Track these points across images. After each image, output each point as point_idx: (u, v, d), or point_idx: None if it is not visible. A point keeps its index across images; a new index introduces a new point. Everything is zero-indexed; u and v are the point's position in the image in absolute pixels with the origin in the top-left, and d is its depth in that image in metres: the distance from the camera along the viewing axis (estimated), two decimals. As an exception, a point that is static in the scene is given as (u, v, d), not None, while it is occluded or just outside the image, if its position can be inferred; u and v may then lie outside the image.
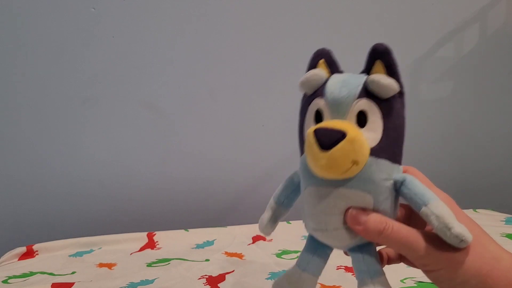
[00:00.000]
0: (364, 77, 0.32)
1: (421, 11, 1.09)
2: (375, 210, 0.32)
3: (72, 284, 0.63)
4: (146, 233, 0.83)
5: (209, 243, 0.81)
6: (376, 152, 0.31)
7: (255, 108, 1.03)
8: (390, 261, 0.39)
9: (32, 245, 0.77)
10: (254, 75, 1.02)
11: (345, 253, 0.36)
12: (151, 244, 0.81)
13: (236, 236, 0.83)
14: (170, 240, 0.82)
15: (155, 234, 0.83)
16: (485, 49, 1.15)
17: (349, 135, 0.29)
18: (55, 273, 0.68)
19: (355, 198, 0.31)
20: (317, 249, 0.36)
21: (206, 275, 0.65)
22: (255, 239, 0.81)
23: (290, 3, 1.01)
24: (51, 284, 0.63)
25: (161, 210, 1.01)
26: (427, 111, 1.13)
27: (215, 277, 0.64)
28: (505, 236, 0.78)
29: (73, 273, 0.68)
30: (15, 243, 0.79)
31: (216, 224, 0.92)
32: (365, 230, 0.31)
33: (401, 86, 0.32)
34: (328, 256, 0.36)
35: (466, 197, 1.17)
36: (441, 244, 0.30)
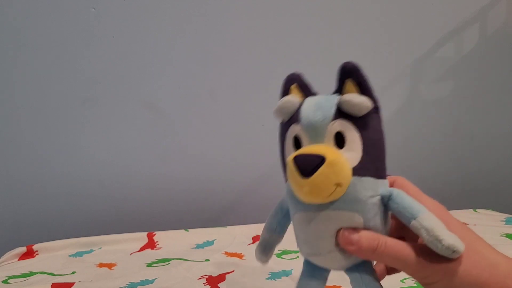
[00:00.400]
0: (337, 98, 0.33)
1: (421, 11, 1.09)
2: (366, 228, 0.32)
3: (72, 284, 0.63)
4: (146, 233, 0.83)
5: (209, 243, 0.81)
6: (358, 171, 0.31)
7: (255, 108, 1.03)
8: (385, 275, 0.40)
9: (32, 245, 0.78)
10: (254, 75, 1.02)
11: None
12: (151, 244, 0.81)
13: (236, 236, 0.83)
14: (170, 240, 0.82)
15: (155, 234, 0.83)
16: (485, 49, 1.15)
17: (328, 159, 0.30)
18: (55, 273, 0.68)
19: (343, 219, 0.32)
20: (314, 273, 0.36)
21: (206, 275, 0.65)
22: (255, 239, 0.81)
23: (290, 3, 1.01)
24: (51, 284, 0.63)
25: (161, 210, 1.01)
26: (427, 111, 1.13)
27: (215, 277, 0.64)
28: (505, 236, 0.78)
29: (73, 273, 0.68)
30: (15, 243, 0.79)
31: (216, 224, 0.92)
32: (359, 249, 0.31)
33: (375, 101, 0.32)
34: (326, 278, 0.37)
35: (466, 197, 1.17)
36: (435, 256, 0.29)
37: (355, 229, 0.32)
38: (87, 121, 0.96)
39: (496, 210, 0.98)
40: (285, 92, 0.37)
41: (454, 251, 0.29)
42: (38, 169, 0.96)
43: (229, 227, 0.87)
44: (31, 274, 0.68)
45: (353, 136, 0.32)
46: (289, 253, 0.73)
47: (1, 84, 0.92)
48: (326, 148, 0.31)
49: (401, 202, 0.32)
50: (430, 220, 0.30)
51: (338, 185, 0.30)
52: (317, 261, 0.35)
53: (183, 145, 1.01)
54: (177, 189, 1.02)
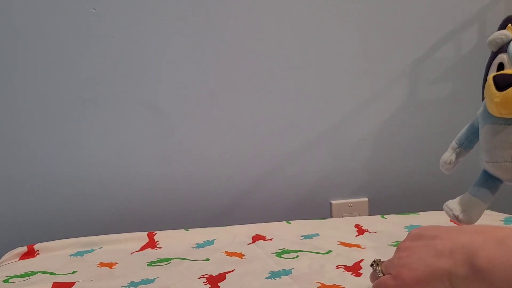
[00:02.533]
0: None
1: (420, 12, 1.09)
2: None
3: (73, 283, 0.63)
4: (146, 232, 0.83)
5: (209, 242, 0.81)
6: None
7: (255, 108, 1.03)
8: None
9: (33, 245, 0.78)
10: (254, 75, 1.02)
11: None
12: (151, 243, 0.81)
13: (236, 235, 0.83)
14: (170, 240, 0.82)
15: (155, 233, 0.83)
16: (484, 50, 1.15)
17: None
18: (56, 273, 0.68)
19: None
20: (487, 181, 0.43)
21: (206, 275, 0.65)
22: (255, 238, 0.81)
23: (290, 3, 1.01)
24: (52, 283, 0.63)
25: (162, 210, 1.02)
26: (427, 111, 1.13)
27: (215, 276, 0.64)
28: None
29: (74, 272, 0.68)
30: (16, 242, 0.79)
31: (216, 224, 0.92)
32: None
33: None
34: (498, 188, 0.43)
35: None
36: None
37: None
38: (87, 121, 0.97)
39: (495, 210, 0.99)
40: (502, 27, 0.44)
41: None
42: (38, 169, 0.96)
43: (229, 227, 0.88)
44: (32, 273, 0.68)
45: None
46: (289, 252, 0.73)
47: (1, 84, 0.92)
48: None
49: None
50: None
51: None
52: (493, 168, 0.41)
53: (183, 145, 1.01)
54: (178, 189, 1.02)
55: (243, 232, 0.84)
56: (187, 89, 1.00)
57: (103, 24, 0.93)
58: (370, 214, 1.08)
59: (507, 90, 0.35)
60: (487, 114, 0.40)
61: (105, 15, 0.93)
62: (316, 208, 1.08)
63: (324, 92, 1.04)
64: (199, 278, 0.64)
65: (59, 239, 0.81)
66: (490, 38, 0.43)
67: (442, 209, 0.90)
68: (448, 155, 0.48)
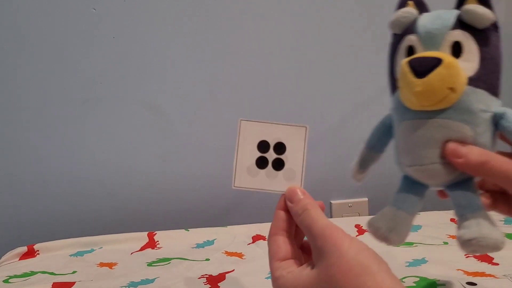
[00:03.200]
0: (456, 11, 0.32)
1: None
2: (474, 143, 0.31)
3: (73, 283, 0.63)
4: (146, 232, 0.84)
5: (209, 242, 0.81)
6: (474, 81, 0.30)
7: (255, 108, 1.03)
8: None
9: (33, 245, 0.78)
10: (254, 75, 1.02)
11: (441, 195, 0.36)
12: (151, 243, 0.81)
13: (236, 235, 0.83)
14: (170, 240, 0.82)
15: (155, 233, 0.84)
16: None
17: (445, 61, 0.29)
18: (56, 273, 0.68)
19: (453, 129, 0.31)
20: (412, 188, 0.35)
21: (206, 275, 0.65)
22: (255, 238, 0.81)
23: (290, 3, 1.01)
24: (52, 283, 0.63)
25: (162, 209, 1.02)
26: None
27: (215, 276, 0.64)
28: (505, 236, 0.78)
29: (73, 272, 0.68)
30: (16, 242, 0.79)
31: (216, 224, 0.92)
32: (467, 162, 0.30)
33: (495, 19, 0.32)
34: (424, 195, 0.35)
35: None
36: None
37: (464, 143, 0.31)
38: (87, 121, 0.97)
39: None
40: (401, 5, 0.36)
41: None
42: (38, 168, 0.96)
43: (229, 227, 0.88)
44: (32, 273, 0.68)
45: (471, 47, 0.31)
46: (289, 252, 0.73)
47: (1, 84, 0.92)
48: (442, 53, 0.30)
49: None
50: None
51: (452, 90, 0.29)
52: (417, 173, 0.33)
53: (183, 145, 1.01)
54: (177, 188, 1.02)
55: (243, 232, 0.84)
56: (187, 89, 1.00)
57: (103, 24, 0.93)
58: (370, 214, 1.08)
59: (429, 75, 0.29)
60: (403, 109, 0.32)
61: (105, 15, 0.93)
62: (316, 208, 1.08)
63: (324, 92, 1.04)
64: (199, 278, 0.64)
65: (59, 239, 0.81)
66: (393, 18, 0.35)
67: (442, 209, 0.90)
68: (355, 162, 0.39)
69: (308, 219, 0.33)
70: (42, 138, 0.95)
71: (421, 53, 0.31)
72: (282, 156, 0.38)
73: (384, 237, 0.33)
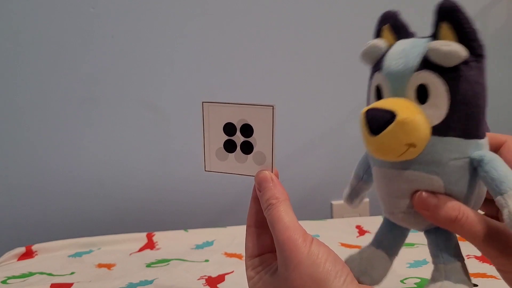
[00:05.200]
0: (426, 45, 0.28)
1: (422, 11, 1.09)
2: (447, 193, 0.28)
3: (71, 284, 0.63)
4: (145, 233, 0.83)
5: (209, 243, 0.81)
6: (439, 130, 0.28)
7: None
8: None
9: (31, 246, 0.77)
10: (254, 75, 1.02)
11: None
12: (150, 244, 0.80)
13: (235, 236, 0.82)
14: (169, 241, 0.82)
15: (154, 234, 0.83)
16: (486, 49, 1.15)
17: (398, 117, 0.26)
18: (54, 274, 0.68)
19: (420, 181, 0.29)
20: (392, 229, 0.34)
21: (205, 276, 0.64)
22: (255, 239, 0.81)
23: (291, 3, 1.00)
24: (50, 284, 0.62)
25: (161, 210, 1.01)
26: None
27: (215, 277, 0.64)
28: None
29: (72, 273, 0.68)
30: (14, 243, 0.79)
31: (215, 225, 0.91)
32: (434, 216, 0.28)
33: (477, 48, 0.28)
34: (406, 236, 0.34)
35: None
36: None
37: (434, 193, 0.28)
38: (86, 121, 0.96)
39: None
40: (377, 33, 0.33)
41: None
42: (37, 169, 0.96)
43: (228, 228, 0.87)
44: (30, 274, 0.68)
45: (438, 90, 0.28)
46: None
47: (0, 84, 0.92)
48: (401, 103, 0.28)
49: (490, 171, 0.27)
50: None
51: (411, 145, 0.27)
52: (393, 219, 0.33)
53: (183, 145, 1.01)
54: (177, 189, 1.01)
55: (242, 233, 0.83)
56: (187, 89, 0.99)
57: (101, 23, 0.93)
58: (371, 215, 1.08)
59: (380, 134, 0.27)
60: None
61: (104, 14, 0.93)
62: (317, 208, 1.07)
63: (324, 92, 1.04)
64: (198, 279, 0.63)
65: (57, 239, 0.80)
66: (362, 50, 0.33)
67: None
68: (346, 193, 0.37)
69: (270, 217, 0.31)
70: (40, 138, 0.95)
71: (380, 102, 0.29)
72: (250, 139, 0.35)
73: (356, 278, 0.31)
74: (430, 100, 0.28)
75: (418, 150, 0.28)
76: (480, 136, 0.29)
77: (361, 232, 0.82)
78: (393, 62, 0.29)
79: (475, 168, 0.28)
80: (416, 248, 0.72)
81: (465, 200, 0.29)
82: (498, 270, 0.29)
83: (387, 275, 0.34)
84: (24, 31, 0.91)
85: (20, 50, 0.91)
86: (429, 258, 0.71)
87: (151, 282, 0.63)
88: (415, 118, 0.27)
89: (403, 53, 0.29)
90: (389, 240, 0.34)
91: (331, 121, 1.05)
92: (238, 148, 0.36)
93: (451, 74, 0.27)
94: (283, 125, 1.07)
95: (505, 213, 0.26)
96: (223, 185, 1.02)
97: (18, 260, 0.75)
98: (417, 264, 0.66)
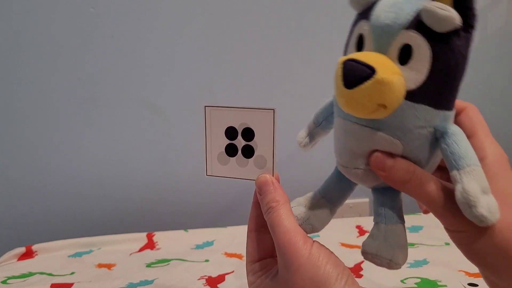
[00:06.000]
0: (423, 2, 0.26)
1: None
2: (405, 157, 0.28)
3: (71, 284, 0.63)
4: (145, 233, 0.83)
5: (209, 243, 0.81)
6: (413, 96, 0.27)
7: (255, 108, 1.03)
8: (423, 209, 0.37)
9: (31, 246, 0.77)
10: (254, 74, 1.02)
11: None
12: (150, 244, 0.80)
13: (235, 236, 0.82)
14: (169, 241, 0.82)
15: (154, 234, 0.83)
16: (485, 50, 1.15)
17: (377, 75, 0.25)
18: (54, 274, 0.68)
19: (381, 142, 0.28)
20: (341, 181, 0.34)
21: (205, 276, 0.64)
22: (255, 239, 0.81)
23: (291, 3, 1.00)
24: (50, 284, 0.62)
25: (161, 210, 1.01)
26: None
27: (215, 277, 0.64)
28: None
29: (72, 273, 0.68)
30: (14, 243, 0.79)
31: (215, 225, 0.91)
32: (389, 177, 0.28)
33: (470, 18, 0.27)
34: (353, 189, 0.34)
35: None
36: None
37: (391, 155, 0.28)
38: (86, 121, 0.96)
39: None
40: None
41: (482, 221, 0.25)
42: (37, 169, 0.96)
43: (228, 228, 0.87)
44: (30, 274, 0.68)
45: (422, 54, 0.26)
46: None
47: (0, 84, 0.92)
48: (382, 61, 0.26)
49: (452, 145, 0.27)
50: (474, 178, 0.26)
51: (382, 106, 0.26)
52: (344, 173, 0.32)
53: (183, 145, 1.01)
54: (177, 189, 1.01)
55: (242, 233, 0.83)
56: (187, 89, 0.99)
57: (101, 23, 0.93)
58: (371, 215, 1.08)
59: (355, 89, 0.25)
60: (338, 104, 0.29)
61: (104, 14, 0.93)
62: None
63: (324, 92, 1.04)
64: (199, 279, 0.63)
65: (57, 239, 0.80)
66: None
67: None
68: (303, 136, 0.37)
69: (270, 220, 0.32)
70: (40, 138, 0.95)
71: (362, 54, 0.27)
72: (251, 143, 0.35)
73: (300, 225, 0.32)
74: (411, 63, 0.27)
75: (387, 112, 0.27)
76: (449, 107, 0.28)
77: (361, 232, 0.82)
78: (383, 14, 0.27)
79: (436, 138, 0.28)
80: (416, 248, 0.73)
81: (419, 166, 0.29)
82: (447, 230, 0.29)
83: (327, 224, 0.35)
84: (24, 31, 0.90)
85: (20, 50, 0.91)
86: (429, 258, 0.72)
87: (151, 282, 0.63)
88: (393, 79, 0.25)
89: (396, 7, 0.27)
90: (336, 191, 0.34)
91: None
92: (239, 152, 0.36)
93: (438, 39, 0.26)
94: (283, 124, 1.07)
95: (458, 188, 0.26)
96: (223, 185, 1.02)
97: (18, 260, 0.75)
98: (417, 264, 0.66)
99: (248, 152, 0.36)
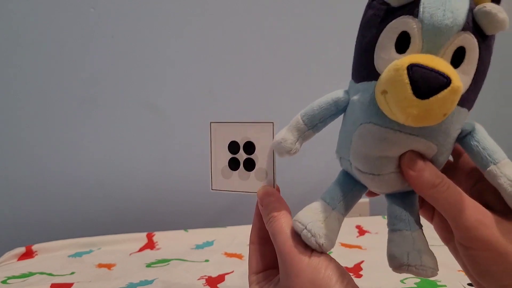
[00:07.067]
0: (468, 2, 0.24)
1: None
2: (433, 160, 0.27)
3: (71, 284, 0.62)
4: (145, 233, 0.83)
5: (209, 243, 0.81)
6: (463, 100, 0.25)
7: (254, 108, 1.03)
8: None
9: (31, 246, 0.77)
10: (254, 75, 1.02)
11: (369, 194, 0.33)
12: (150, 244, 0.80)
13: (235, 236, 0.82)
14: (169, 241, 0.82)
15: (154, 234, 0.83)
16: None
17: (453, 83, 0.22)
18: (54, 274, 0.68)
19: (418, 147, 0.27)
20: (353, 189, 0.32)
21: (205, 276, 0.64)
22: (255, 239, 0.81)
23: (291, 3, 1.00)
24: (50, 284, 0.62)
25: (161, 210, 1.01)
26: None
27: (215, 277, 0.64)
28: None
29: (72, 273, 0.68)
30: (14, 243, 0.79)
31: (215, 225, 0.91)
32: (418, 178, 0.27)
33: None
34: (361, 196, 0.33)
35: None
36: (491, 226, 0.26)
37: (423, 157, 0.27)
38: (86, 121, 0.96)
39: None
40: None
41: None
42: (37, 169, 0.96)
43: (228, 228, 0.87)
44: (30, 274, 0.68)
45: (473, 57, 0.25)
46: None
47: (0, 84, 0.92)
48: (448, 66, 0.23)
49: (482, 141, 0.26)
50: None
51: (445, 115, 0.24)
52: (368, 180, 0.29)
53: (183, 145, 1.01)
54: (177, 189, 1.01)
55: (242, 233, 0.84)
56: (187, 89, 0.99)
57: (101, 23, 0.93)
58: (371, 215, 1.08)
59: (431, 98, 0.22)
60: (374, 109, 0.26)
61: (104, 14, 0.93)
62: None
63: (324, 92, 1.04)
64: (198, 279, 0.63)
65: (57, 239, 0.80)
66: None
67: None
68: (292, 140, 0.32)
69: (272, 229, 0.32)
70: (40, 138, 0.95)
71: (425, 58, 0.23)
72: (252, 156, 0.36)
73: (320, 245, 0.29)
74: (462, 66, 0.25)
75: (444, 118, 0.25)
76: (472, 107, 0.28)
77: (361, 232, 0.82)
78: (439, 12, 0.24)
79: (459, 138, 0.28)
80: (416, 248, 0.72)
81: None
82: (458, 243, 0.29)
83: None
84: (24, 31, 0.91)
85: (20, 50, 0.91)
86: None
87: (151, 282, 0.63)
88: (461, 86, 0.23)
89: (449, 4, 0.24)
90: (348, 201, 0.32)
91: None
92: (241, 165, 0.37)
93: (485, 42, 0.25)
94: (283, 124, 1.07)
95: (503, 181, 0.25)
96: (223, 185, 1.02)
97: (18, 260, 0.75)
98: (417, 264, 0.65)
99: (250, 165, 0.37)
